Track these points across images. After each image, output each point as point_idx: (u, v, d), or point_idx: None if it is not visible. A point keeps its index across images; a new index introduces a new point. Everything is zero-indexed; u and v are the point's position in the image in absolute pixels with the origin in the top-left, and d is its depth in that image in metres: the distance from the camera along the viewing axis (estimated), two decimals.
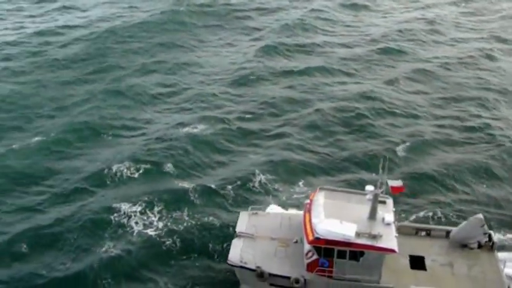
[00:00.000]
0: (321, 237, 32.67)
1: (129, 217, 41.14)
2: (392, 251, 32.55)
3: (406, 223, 39.19)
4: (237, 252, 34.66)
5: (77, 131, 51.34)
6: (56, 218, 41.02)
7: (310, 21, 78.86)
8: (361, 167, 48.38)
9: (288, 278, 33.41)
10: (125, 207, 41.92)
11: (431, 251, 36.48)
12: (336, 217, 33.71)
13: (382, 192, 34.04)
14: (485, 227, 36.56)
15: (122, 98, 57.40)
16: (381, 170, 33.47)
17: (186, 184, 44.85)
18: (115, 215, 41.32)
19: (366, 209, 34.34)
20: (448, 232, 37.56)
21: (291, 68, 65.78)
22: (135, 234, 39.92)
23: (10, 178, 45.28)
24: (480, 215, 36.80)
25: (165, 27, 75.73)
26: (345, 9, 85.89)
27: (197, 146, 49.65)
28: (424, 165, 48.74)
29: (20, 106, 55.72)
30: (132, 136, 51.71)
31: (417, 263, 35.51)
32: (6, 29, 74.57)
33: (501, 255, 37.10)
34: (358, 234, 32.80)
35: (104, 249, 38.50)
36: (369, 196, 34.21)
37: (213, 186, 44.85)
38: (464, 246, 36.83)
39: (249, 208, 38.27)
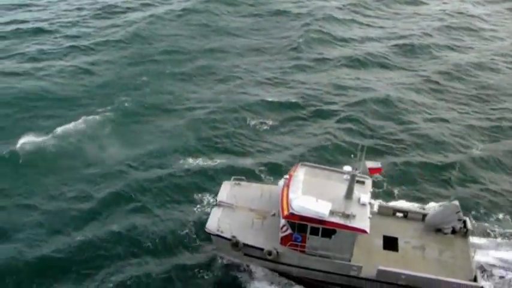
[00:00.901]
0: (296, 213, 33.52)
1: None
2: (364, 231, 33.37)
3: (385, 203, 39.80)
4: (215, 221, 35.71)
5: (146, 108, 53.04)
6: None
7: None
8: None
9: (262, 249, 34.46)
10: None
11: (406, 233, 37.27)
12: (313, 194, 34.47)
13: (359, 173, 34.64)
14: (461, 213, 37.13)
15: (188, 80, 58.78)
16: (359, 152, 34.02)
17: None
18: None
19: (344, 188, 35.04)
20: (424, 216, 38.28)
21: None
22: None
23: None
24: (456, 202, 37.39)
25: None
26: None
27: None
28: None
29: (91, 83, 57.10)
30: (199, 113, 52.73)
31: (390, 243, 36.37)
32: (70, 10, 75.40)
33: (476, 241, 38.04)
34: (332, 213, 33.61)
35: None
36: (346, 176, 34.91)
37: None
38: (438, 230, 37.53)
39: (231, 178, 39.07)
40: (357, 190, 35.48)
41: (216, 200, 37.55)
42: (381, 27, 75.50)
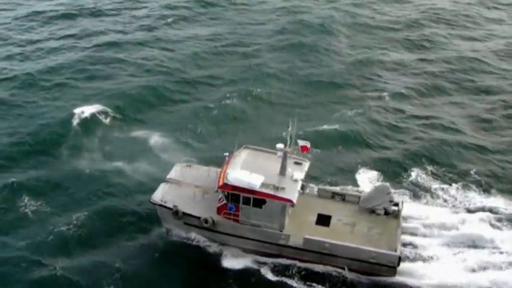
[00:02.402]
0: (229, 183, 36.72)
1: None
2: (290, 201, 36.26)
3: (324, 187, 42.52)
4: (160, 193, 39.11)
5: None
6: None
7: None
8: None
9: (199, 218, 37.59)
10: None
11: (340, 212, 39.84)
12: (250, 170, 37.66)
13: (291, 151, 37.78)
14: (392, 195, 39.62)
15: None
16: (289, 129, 37.20)
17: None
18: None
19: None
20: (360, 198, 40.88)
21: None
22: None
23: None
24: (387, 184, 40.05)
25: None
26: None
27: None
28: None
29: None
30: None
31: (323, 220, 38.98)
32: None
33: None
34: (263, 185, 36.71)
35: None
36: (279, 154, 38.11)
37: None
38: (373, 212, 40.01)
39: (182, 160, 42.62)
40: (294, 170, 38.57)
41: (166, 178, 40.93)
42: None
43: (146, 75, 61.58)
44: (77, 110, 52.68)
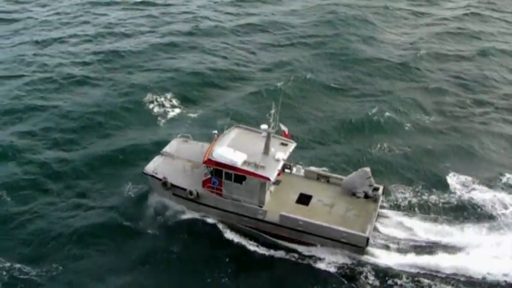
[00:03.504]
0: (213, 159, 39.22)
1: None
2: (268, 179, 38.45)
3: (310, 169, 44.37)
4: (153, 165, 42.01)
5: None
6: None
7: None
8: None
9: (185, 189, 40.33)
10: None
11: (322, 193, 41.66)
12: (236, 148, 40.02)
13: (275, 132, 39.87)
14: (371, 179, 41.11)
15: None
16: (273, 110, 39.20)
17: None
18: None
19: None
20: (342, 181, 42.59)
21: None
22: None
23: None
24: (367, 168, 41.44)
25: None
26: None
27: None
28: None
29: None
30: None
31: (304, 199, 40.93)
32: None
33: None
34: (245, 163, 39.04)
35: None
36: (263, 134, 40.27)
37: None
38: (354, 195, 41.69)
39: (178, 135, 45.35)
40: (278, 150, 40.70)
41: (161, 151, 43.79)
42: None
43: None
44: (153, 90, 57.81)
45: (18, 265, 36.69)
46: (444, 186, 45.18)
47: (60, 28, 75.10)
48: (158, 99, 56.64)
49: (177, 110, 55.48)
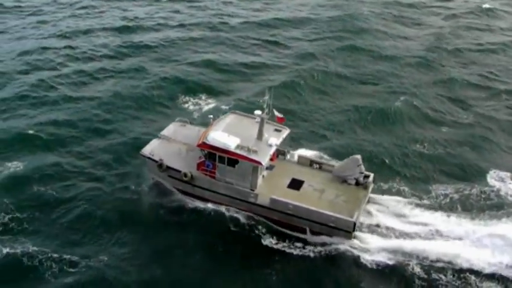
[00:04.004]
0: (207, 142, 40.38)
1: None
2: (259, 163, 39.53)
3: (304, 155, 45.36)
4: (150, 147, 43.26)
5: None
6: None
7: None
8: None
9: (180, 171, 41.54)
10: None
11: (314, 179, 42.68)
12: (231, 133, 41.15)
13: (269, 118, 40.92)
14: (362, 166, 42.03)
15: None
16: (266, 97, 40.27)
17: None
18: None
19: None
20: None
21: None
22: None
23: None
24: (358, 156, 42.36)
25: None
26: None
27: None
28: None
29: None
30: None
31: (295, 184, 41.96)
32: None
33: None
34: (238, 147, 40.14)
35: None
36: (257, 119, 41.31)
37: None
38: (345, 181, 42.65)
39: (176, 119, 46.52)
40: (272, 136, 41.76)
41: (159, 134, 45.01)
42: None
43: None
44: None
45: (63, 250, 37.76)
46: (483, 182, 46.07)
47: (88, 21, 77.41)
48: (190, 93, 58.02)
49: (210, 101, 56.87)
